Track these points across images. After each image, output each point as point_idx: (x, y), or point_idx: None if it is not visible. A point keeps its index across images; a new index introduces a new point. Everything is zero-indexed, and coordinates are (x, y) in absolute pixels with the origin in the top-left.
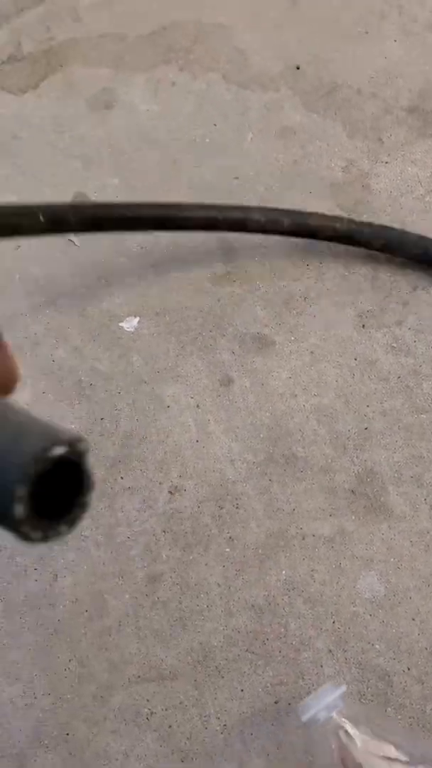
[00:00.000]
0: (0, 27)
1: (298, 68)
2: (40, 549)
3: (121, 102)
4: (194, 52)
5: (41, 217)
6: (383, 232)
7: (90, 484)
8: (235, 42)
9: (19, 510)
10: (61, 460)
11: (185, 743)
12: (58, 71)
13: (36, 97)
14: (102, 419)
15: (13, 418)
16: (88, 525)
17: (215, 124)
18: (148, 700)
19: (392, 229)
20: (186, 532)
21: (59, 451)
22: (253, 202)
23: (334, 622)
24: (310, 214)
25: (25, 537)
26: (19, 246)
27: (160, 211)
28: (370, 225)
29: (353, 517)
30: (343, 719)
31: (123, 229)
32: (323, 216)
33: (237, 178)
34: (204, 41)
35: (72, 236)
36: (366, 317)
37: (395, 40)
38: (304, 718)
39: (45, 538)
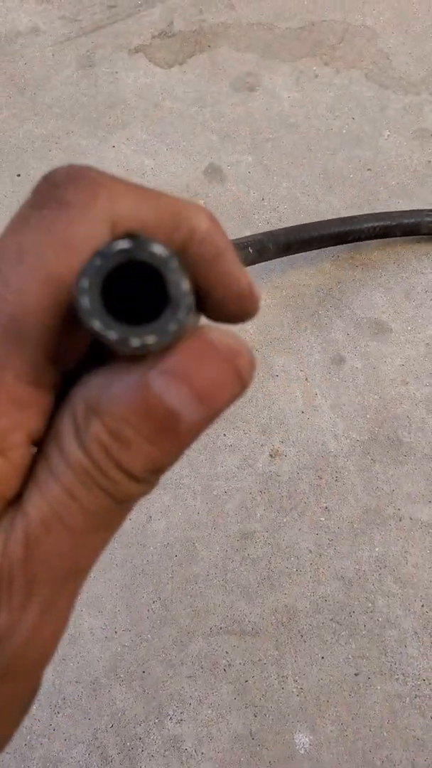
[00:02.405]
0: (154, 5)
1: None
2: None
3: (264, 86)
4: (339, 49)
5: (250, 250)
6: None
7: (178, 295)
8: (380, 45)
9: (84, 302)
10: (138, 266)
11: (260, 699)
12: (206, 51)
13: (181, 72)
14: None
15: None
16: (186, 474)
17: (353, 118)
18: (227, 652)
19: None
20: (282, 496)
21: (123, 244)
22: (383, 194)
23: (423, 606)
24: None
25: (104, 339)
26: None
27: (340, 228)
28: None
29: None
30: None
31: (310, 248)
32: None
33: (369, 169)
34: (350, 41)
35: (200, 203)
36: None
37: None
38: None
39: (124, 343)
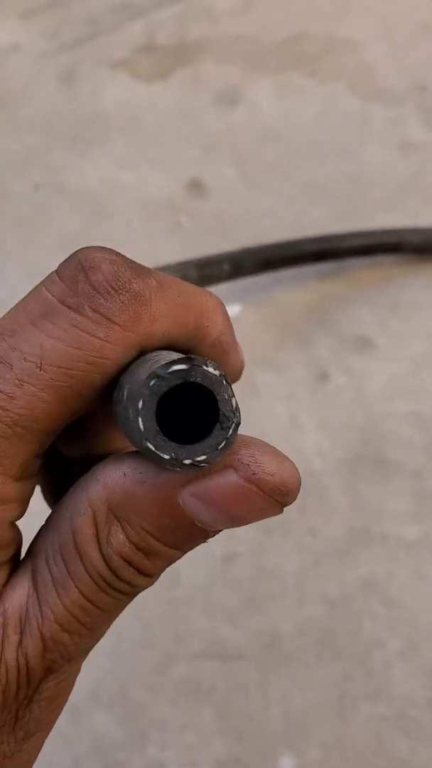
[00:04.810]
0: (136, 20)
1: (425, 88)
2: None
3: (247, 99)
4: (323, 61)
5: (225, 266)
6: None
7: (228, 413)
8: (365, 57)
9: (140, 424)
10: (188, 384)
11: (244, 724)
12: (188, 65)
13: (163, 86)
14: None
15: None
16: None
17: (337, 130)
18: (210, 677)
19: None
20: None
21: (178, 366)
22: (369, 206)
23: (409, 626)
24: None
25: (157, 458)
26: (130, 222)
27: (321, 245)
28: None
29: None
30: None
31: (289, 265)
32: None
33: (354, 182)
34: (334, 53)
35: (182, 218)
36: None
37: None
38: None
39: (177, 462)
